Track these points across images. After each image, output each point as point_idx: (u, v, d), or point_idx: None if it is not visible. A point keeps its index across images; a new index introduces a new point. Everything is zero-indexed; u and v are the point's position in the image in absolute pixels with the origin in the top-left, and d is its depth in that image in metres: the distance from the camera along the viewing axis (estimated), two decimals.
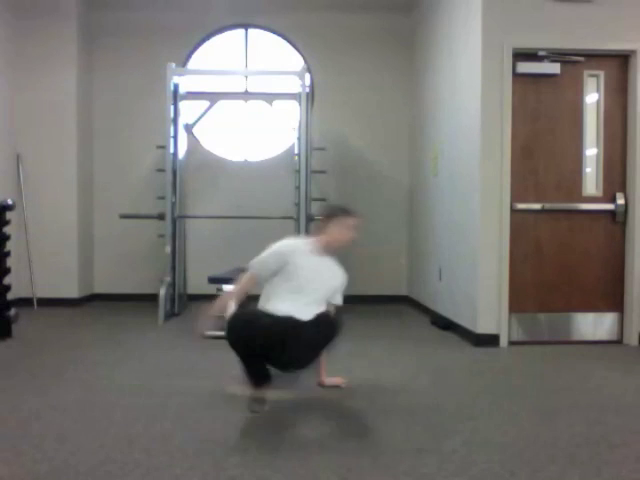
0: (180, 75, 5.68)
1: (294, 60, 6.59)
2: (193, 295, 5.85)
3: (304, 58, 6.52)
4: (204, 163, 6.50)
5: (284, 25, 6.54)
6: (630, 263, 4.31)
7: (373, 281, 6.46)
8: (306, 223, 5.40)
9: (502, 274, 4.21)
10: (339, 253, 2.98)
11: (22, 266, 5.86)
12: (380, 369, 3.58)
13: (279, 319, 2.67)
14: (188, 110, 6.08)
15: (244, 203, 6.32)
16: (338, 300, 3.00)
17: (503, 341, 4.22)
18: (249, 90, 6.62)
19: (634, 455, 2.21)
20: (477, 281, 4.24)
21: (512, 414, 2.71)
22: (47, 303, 5.93)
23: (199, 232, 6.27)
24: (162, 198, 5.56)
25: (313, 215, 5.55)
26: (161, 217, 5.47)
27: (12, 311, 4.43)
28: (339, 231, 2.92)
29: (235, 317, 2.68)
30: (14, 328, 4.42)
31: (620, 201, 4.31)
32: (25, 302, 5.76)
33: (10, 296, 4.50)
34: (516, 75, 4.23)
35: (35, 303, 5.95)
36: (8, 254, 4.47)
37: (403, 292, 6.58)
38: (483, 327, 4.22)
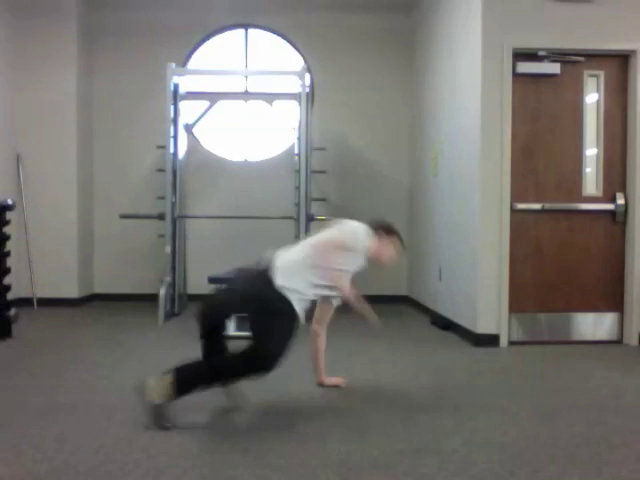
0: (180, 75, 5.68)
1: (294, 60, 6.59)
2: (193, 295, 5.84)
3: (304, 58, 6.52)
4: (204, 163, 6.50)
5: (284, 25, 6.54)
6: (630, 263, 4.31)
7: (373, 281, 6.44)
8: (306, 223, 5.40)
9: (502, 274, 4.21)
10: None
11: (22, 266, 5.86)
12: (380, 369, 3.58)
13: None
14: (188, 110, 6.08)
15: (244, 203, 6.32)
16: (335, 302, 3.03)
17: (503, 341, 4.22)
18: (249, 90, 6.62)
19: (634, 455, 2.21)
20: (477, 281, 4.24)
21: (512, 414, 2.71)
22: (47, 303, 5.94)
23: (199, 232, 6.27)
24: (162, 198, 5.56)
25: (313, 215, 5.56)
26: (161, 217, 5.47)
27: (12, 311, 4.43)
28: (390, 251, 2.92)
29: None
30: (14, 328, 4.42)
31: (620, 201, 4.31)
32: (25, 302, 5.76)
33: (10, 296, 4.50)
34: (516, 75, 4.23)
35: (35, 303, 5.95)
36: (8, 254, 4.47)
37: (403, 292, 6.59)
38: (483, 327, 4.22)
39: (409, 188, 6.58)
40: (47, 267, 6.01)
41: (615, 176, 4.35)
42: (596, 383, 3.28)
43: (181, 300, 5.73)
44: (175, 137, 5.56)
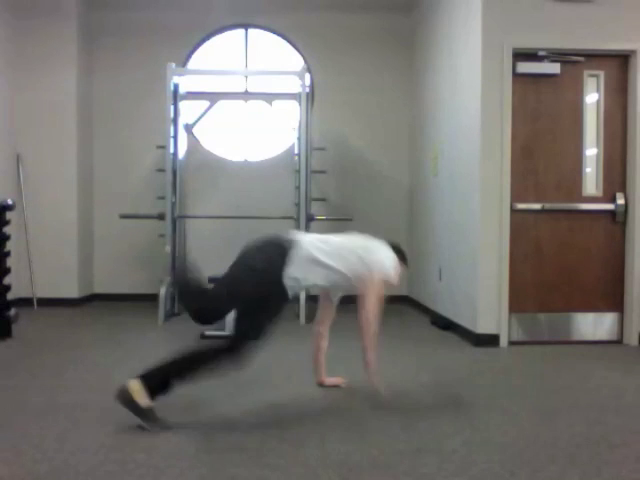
0: (180, 75, 5.68)
1: (294, 60, 6.59)
2: None
3: (304, 58, 6.52)
4: (204, 163, 6.50)
5: (284, 25, 6.54)
6: (630, 263, 4.31)
7: None
8: (306, 223, 5.40)
9: (502, 274, 4.21)
10: None
11: (22, 266, 5.86)
12: (380, 369, 3.57)
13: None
14: (188, 110, 6.09)
15: (244, 203, 6.32)
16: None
17: (503, 341, 4.22)
18: (249, 90, 6.62)
19: (634, 455, 2.21)
20: (477, 281, 4.24)
21: (512, 414, 2.71)
22: (47, 303, 5.94)
23: (199, 232, 6.27)
24: (162, 198, 5.56)
25: (313, 215, 5.56)
26: (161, 217, 5.48)
27: (12, 311, 4.43)
28: (397, 276, 2.93)
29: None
30: (14, 328, 4.42)
31: (620, 201, 4.31)
32: (25, 302, 5.77)
33: (10, 296, 4.50)
34: (516, 75, 4.23)
35: (35, 303, 5.95)
36: (8, 254, 4.47)
37: (403, 292, 6.58)
38: (483, 327, 4.22)
39: (409, 188, 6.58)
40: (47, 267, 6.01)
41: (615, 176, 4.35)
42: (596, 383, 3.28)
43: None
44: (175, 137, 5.56)
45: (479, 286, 4.23)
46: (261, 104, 6.56)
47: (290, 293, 2.63)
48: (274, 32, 6.62)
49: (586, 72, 4.32)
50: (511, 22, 4.20)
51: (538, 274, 4.30)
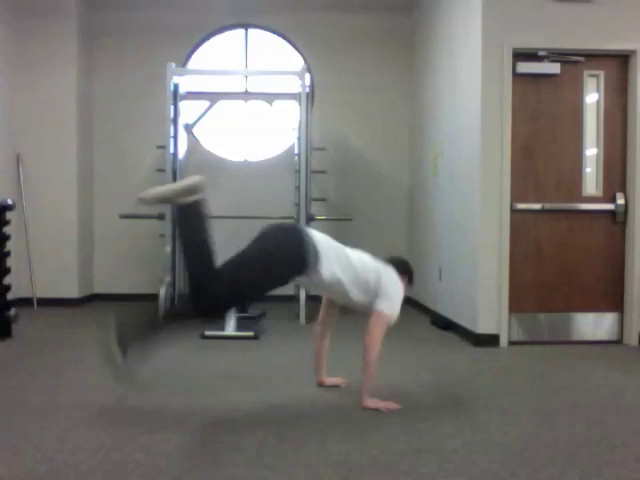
0: (180, 75, 5.68)
1: (294, 60, 6.59)
2: None
3: (304, 58, 6.52)
4: (204, 163, 6.49)
5: (284, 25, 6.55)
6: (630, 263, 4.31)
7: None
8: (306, 223, 5.39)
9: (502, 274, 4.21)
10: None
11: (22, 266, 5.86)
12: (380, 369, 3.57)
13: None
14: (188, 110, 6.08)
15: (244, 203, 6.32)
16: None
17: (503, 341, 4.22)
18: (249, 90, 6.62)
19: (634, 455, 2.21)
20: (477, 281, 4.24)
21: (512, 414, 2.71)
22: (47, 303, 5.94)
23: None
24: None
25: (313, 215, 5.55)
26: (161, 217, 5.47)
27: (12, 311, 4.43)
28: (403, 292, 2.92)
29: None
30: (14, 328, 4.42)
31: (620, 201, 4.31)
32: (25, 302, 5.77)
33: (10, 296, 4.49)
34: (516, 75, 4.23)
35: (35, 303, 5.95)
36: (8, 254, 4.47)
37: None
38: (483, 327, 4.23)
39: (409, 188, 6.58)
40: (47, 267, 6.01)
41: (615, 176, 4.35)
42: (596, 383, 3.28)
43: (181, 300, 5.71)
44: (175, 137, 5.56)
45: (479, 286, 4.23)
46: (261, 104, 6.57)
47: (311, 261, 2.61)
48: (274, 32, 6.63)
49: (586, 72, 4.32)
50: (511, 22, 4.20)
51: (538, 274, 4.30)
